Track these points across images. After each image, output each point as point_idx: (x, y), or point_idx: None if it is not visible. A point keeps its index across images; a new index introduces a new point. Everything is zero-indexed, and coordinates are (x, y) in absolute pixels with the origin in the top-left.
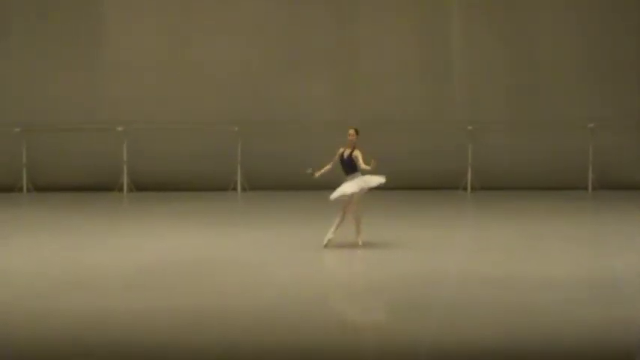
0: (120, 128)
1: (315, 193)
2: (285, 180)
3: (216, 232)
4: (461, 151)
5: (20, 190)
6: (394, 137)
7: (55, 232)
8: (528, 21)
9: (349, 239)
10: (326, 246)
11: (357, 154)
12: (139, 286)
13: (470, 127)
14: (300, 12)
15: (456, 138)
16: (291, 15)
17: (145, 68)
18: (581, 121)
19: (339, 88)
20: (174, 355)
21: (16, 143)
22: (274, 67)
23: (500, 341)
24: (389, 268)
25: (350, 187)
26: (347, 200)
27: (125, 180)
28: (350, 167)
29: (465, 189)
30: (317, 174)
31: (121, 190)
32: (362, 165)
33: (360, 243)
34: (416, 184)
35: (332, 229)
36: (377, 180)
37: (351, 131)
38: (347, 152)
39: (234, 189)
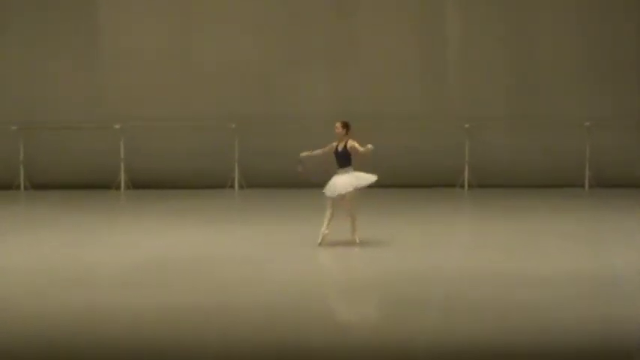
0: (117, 126)
1: (313, 191)
2: (283, 177)
3: (213, 230)
4: (458, 148)
5: (17, 187)
6: (392, 135)
7: (53, 230)
8: (528, 21)
9: (346, 237)
10: (320, 244)
11: (353, 143)
12: (137, 283)
13: (467, 125)
14: (299, 9)
15: (453, 136)
16: (289, 12)
17: (143, 66)
18: (579, 120)
19: (337, 85)
20: (173, 352)
21: (13, 141)
22: (272, 64)
23: (498, 338)
24: (385, 265)
25: (343, 186)
26: (339, 197)
27: (122, 177)
28: (343, 160)
29: (463, 186)
30: (304, 154)
31: (118, 187)
32: (361, 149)
33: (357, 241)
34: (413, 181)
35: (324, 226)
36: (368, 178)
37: (338, 124)
38: (341, 145)
39: (232, 186)
